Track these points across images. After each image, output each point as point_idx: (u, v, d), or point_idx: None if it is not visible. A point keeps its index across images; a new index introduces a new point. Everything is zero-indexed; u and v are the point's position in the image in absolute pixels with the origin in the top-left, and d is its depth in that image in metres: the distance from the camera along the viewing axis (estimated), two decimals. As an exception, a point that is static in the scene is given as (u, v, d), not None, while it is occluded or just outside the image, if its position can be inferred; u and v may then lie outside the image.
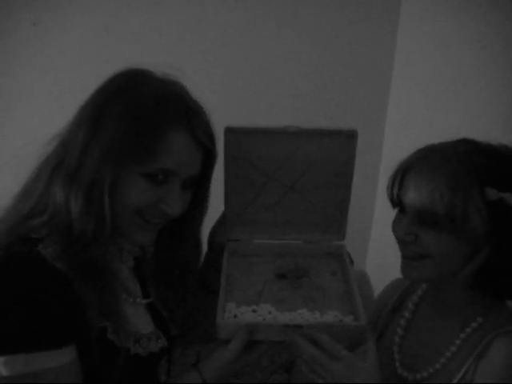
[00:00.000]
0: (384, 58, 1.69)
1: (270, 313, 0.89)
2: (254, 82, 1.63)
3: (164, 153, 0.76)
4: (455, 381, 0.82)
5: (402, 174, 0.85)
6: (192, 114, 0.79)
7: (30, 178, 0.82)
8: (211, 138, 0.84)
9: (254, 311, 0.90)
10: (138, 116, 0.75)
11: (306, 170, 0.99)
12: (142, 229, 0.81)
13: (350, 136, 0.96)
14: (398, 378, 0.92)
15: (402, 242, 0.86)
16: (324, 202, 1.03)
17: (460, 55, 1.32)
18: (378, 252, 1.79)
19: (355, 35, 1.65)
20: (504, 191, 0.77)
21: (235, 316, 0.88)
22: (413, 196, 0.82)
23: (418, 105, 1.56)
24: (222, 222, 1.04)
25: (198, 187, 0.88)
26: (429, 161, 0.82)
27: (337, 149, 0.97)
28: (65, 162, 0.77)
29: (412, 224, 0.83)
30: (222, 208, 1.05)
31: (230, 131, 0.94)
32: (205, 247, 1.03)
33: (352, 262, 1.02)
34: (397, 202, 0.87)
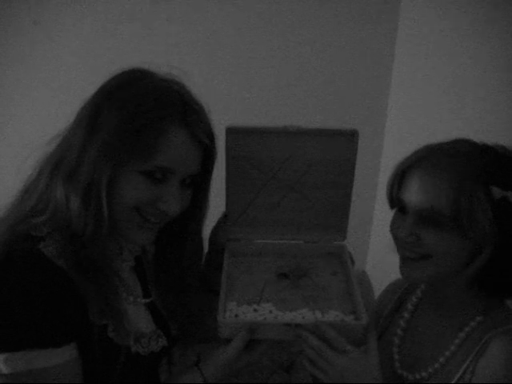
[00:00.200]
0: (384, 58, 1.69)
1: (271, 312, 0.89)
2: (255, 82, 1.63)
3: (162, 150, 0.76)
4: (454, 380, 0.82)
5: (403, 173, 0.85)
6: (190, 112, 0.80)
7: (31, 177, 0.82)
8: (210, 136, 0.84)
9: (255, 310, 0.90)
10: (135, 113, 0.75)
11: (307, 169, 0.99)
12: (141, 228, 0.81)
13: (351, 136, 0.96)
14: (397, 378, 0.92)
15: (402, 243, 0.85)
16: (325, 202, 1.03)
17: (460, 55, 1.33)
18: (377, 252, 1.79)
19: (355, 36, 1.65)
20: (507, 190, 0.78)
21: (236, 315, 0.88)
22: (415, 196, 0.82)
23: (418, 105, 1.56)
24: (223, 221, 1.04)
25: (198, 187, 0.88)
26: (431, 160, 0.82)
27: (338, 149, 0.97)
28: (65, 161, 0.77)
29: (414, 224, 0.82)
30: (222, 208, 1.05)
31: (231, 131, 0.95)
32: (206, 247, 1.03)
33: (353, 262, 1.02)
34: (396, 202, 0.87)
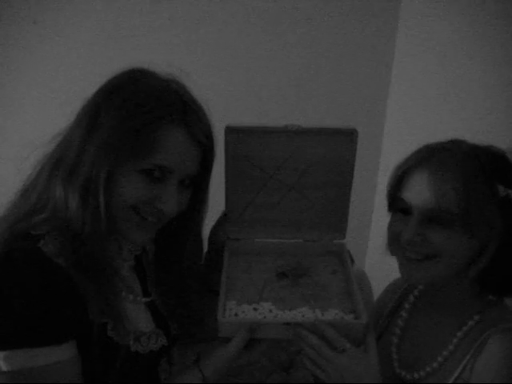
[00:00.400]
0: (383, 58, 1.69)
1: (270, 311, 0.89)
2: (254, 81, 1.63)
3: (160, 149, 0.76)
4: (453, 379, 0.83)
5: (404, 174, 0.85)
6: (190, 112, 0.80)
7: (31, 176, 0.82)
8: (209, 136, 0.84)
9: (254, 310, 0.90)
10: (134, 112, 0.76)
11: (307, 168, 1.00)
12: (139, 227, 0.81)
13: (351, 135, 0.96)
14: (396, 377, 0.92)
15: (406, 244, 0.84)
16: (324, 201, 1.03)
17: (459, 55, 1.33)
18: (376, 251, 1.79)
19: (355, 36, 1.65)
20: (510, 188, 0.80)
21: (236, 314, 0.88)
22: (420, 196, 0.81)
23: (417, 105, 1.56)
24: (223, 221, 1.04)
25: (198, 187, 0.88)
26: (434, 160, 0.82)
27: (337, 148, 0.97)
28: (64, 160, 0.78)
29: (420, 224, 0.82)
30: (222, 207, 1.05)
31: (230, 130, 0.95)
32: (205, 246, 1.03)
33: (353, 261, 1.02)
34: (399, 202, 0.86)
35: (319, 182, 1.01)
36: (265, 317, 0.88)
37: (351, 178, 1.00)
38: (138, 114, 0.76)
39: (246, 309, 0.90)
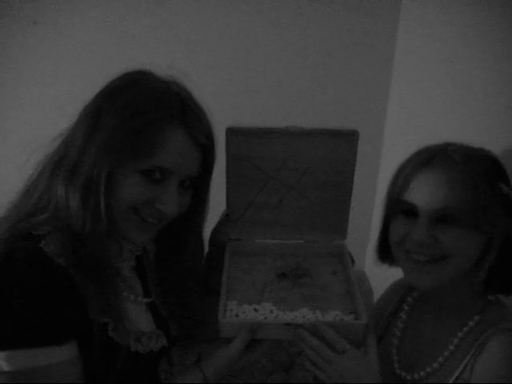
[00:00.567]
0: (383, 58, 1.69)
1: (271, 312, 0.89)
2: (255, 82, 1.63)
3: (160, 150, 0.77)
4: (453, 379, 0.83)
5: (407, 176, 0.85)
6: (190, 113, 0.80)
7: (32, 176, 0.82)
8: (209, 137, 0.84)
9: (255, 310, 0.90)
10: (135, 113, 0.76)
11: (307, 169, 1.00)
12: (139, 228, 0.81)
13: (351, 136, 0.96)
14: (396, 378, 0.92)
15: (415, 247, 0.83)
16: (325, 202, 1.03)
17: (460, 56, 1.33)
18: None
19: (355, 36, 1.65)
20: (508, 186, 0.82)
21: (237, 315, 0.89)
22: (428, 197, 0.81)
23: (418, 106, 1.56)
24: (224, 221, 1.04)
25: (198, 188, 0.88)
26: (437, 161, 0.82)
27: (338, 149, 0.97)
28: (65, 160, 0.78)
29: (430, 225, 0.82)
30: (223, 208, 1.05)
31: (231, 131, 0.95)
32: (206, 247, 1.03)
33: (353, 261, 1.02)
34: (403, 205, 0.85)
35: (320, 183, 1.01)
36: (265, 317, 0.88)
37: (352, 179, 1.00)
38: (138, 115, 0.76)
39: (247, 309, 0.90)
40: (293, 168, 0.99)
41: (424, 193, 0.82)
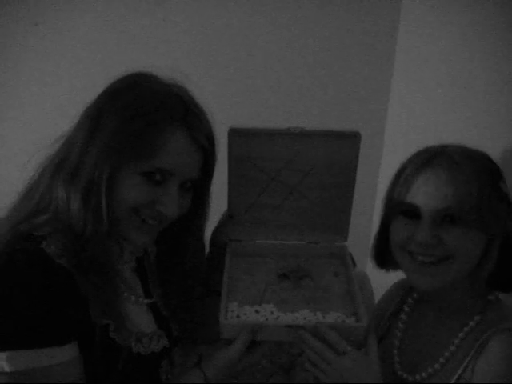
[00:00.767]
0: (384, 59, 1.69)
1: (272, 313, 0.89)
2: (256, 84, 1.63)
3: (161, 151, 0.77)
4: (454, 380, 0.83)
5: (408, 177, 0.85)
6: (191, 115, 0.80)
7: (34, 178, 0.82)
8: (210, 139, 0.84)
9: (256, 311, 0.90)
10: (136, 114, 0.76)
11: (309, 171, 0.99)
12: (139, 229, 0.81)
13: (353, 138, 0.95)
14: (398, 379, 0.92)
15: (419, 249, 0.83)
16: (327, 203, 1.03)
17: (460, 57, 1.33)
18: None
19: (356, 37, 1.65)
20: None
21: (238, 316, 0.89)
22: (430, 197, 0.81)
23: (418, 107, 1.56)
24: (225, 222, 1.04)
25: (199, 190, 0.88)
26: (438, 162, 0.83)
27: (340, 150, 0.97)
28: (66, 161, 0.78)
29: (434, 226, 0.82)
30: (223, 208, 1.05)
31: (233, 132, 0.95)
32: (207, 248, 1.03)
33: (354, 263, 1.02)
34: (405, 206, 0.85)
35: (321, 185, 1.01)
36: (267, 319, 0.88)
37: (354, 180, 1.00)
38: (139, 116, 0.76)
39: (248, 310, 0.90)
40: (295, 169, 0.99)
41: (426, 194, 0.82)
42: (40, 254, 0.72)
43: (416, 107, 1.57)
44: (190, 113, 0.80)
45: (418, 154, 0.87)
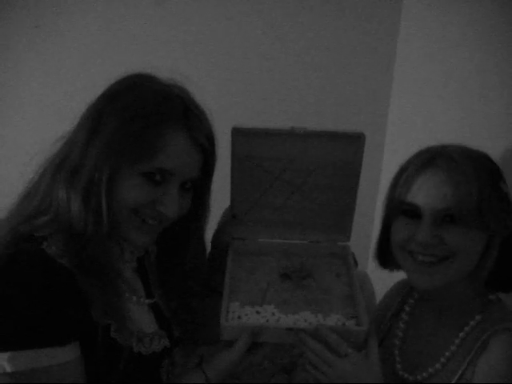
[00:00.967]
0: (385, 60, 1.69)
1: (273, 314, 0.89)
2: (257, 85, 1.63)
3: (161, 152, 0.77)
4: (455, 379, 0.83)
5: (409, 177, 0.85)
6: (191, 116, 0.80)
7: (34, 178, 0.82)
8: (210, 140, 0.84)
9: (257, 312, 0.90)
10: (136, 115, 0.77)
11: (312, 171, 0.99)
12: (139, 230, 0.81)
13: (358, 138, 0.94)
14: (399, 379, 0.92)
15: (420, 248, 0.84)
16: (330, 204, 1.02)
17: (461, 57, 1.33)
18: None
19: (356, 38, 1.65)
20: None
21: (239, 317, 0.89)
22: (430, 197, 0.82)
23: (419, 107, 1.56)
24: (228, 221, 1.04)
25: (199, 190, 0.88)
26: (439, 162, 0.83)
27: (344, 151, 0.96)
28: (67, 162, 0.78)
29: (434, 225, 0.82)
30: (225, 207, 1.05)
31: (237, 132, 0.94)
32: (208, 247, 1.03)
33: (356, 263, 1.02)
34: (406, 206, 0.85)
35: (324, 185, 1.00)
36: (267, 320, 0.88)
37: (357, 181, 0.99)
38: (139, 117, 0.77)
39: (249, 311, 0.90)
40: (298, 169, 0.99)
41: (427, 193, 0.82)
42: (41, 255, 0.72)
43: (417, 108, 1.57)
44: (190, 113, 0.81)
45: (419, 155, 0.87)
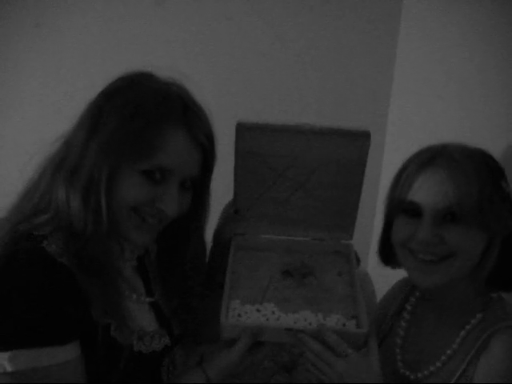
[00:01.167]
0: (385, 61, 1.69)
1: (273, 313, 0.89)
2: (256, 83, 1.63)
3: (161, 150, 0.77)
4: (456, 377, 0.83)
5: (409, 176, 0.85)
6: (190, 114, 0.80)
7: (34, 177, 0.82)
8: (210, 138, 0.84)
9: (257, 311, 0.89)
10: (135, 113, 0.77)
11: (316, 168, 0.97)
12: (139, 228, 0.81)
13: (363, 136, 0.93)
14: (400, 377, 0.92)
15: (421, 247, 0.84)
16: (333, 201, 1.01)
17: (461, 55, 1.33)
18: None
19: (357, 36, 1.65)
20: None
21: (239, 315, 0.88)
22: (431, 195, 0.82)
23: (420, 106, 1.56)
24: (230, 217, 1.03)
25: (199, 188, 0.88)
26: (441, 161, 0.83)
27: (349, 148, 0.94)
28: (66, 160, 0.78)
29: (435, 224, 0.82)
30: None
31: (241, 127, 0.93)
32: (208, 246, 1.03)
33: (359, 261, 1.01)
34: (406, 205, 0.85)
35: (328, 182, 0.99)
36: (267, 319, 0.88)
37: (362, 179, 0.98)
38: (139, 115, 0.77)
39: (249, 309, 0.89)
40: (302, 166, 0.97)
41: (428, 192, 0.82)
42: (41, 254, 0.72)
43: (417, 106, 1.57)
44: (190, 111, 0.81)
45: (420, 153, 0.87)
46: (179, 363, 0.93)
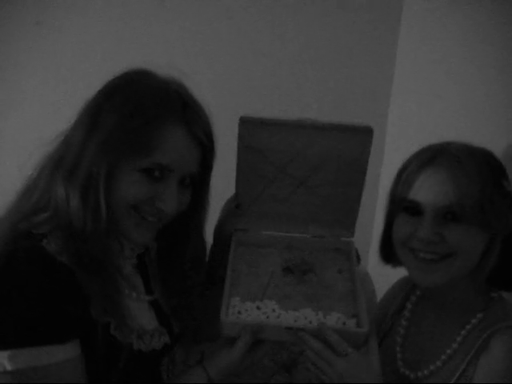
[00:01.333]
0: (386, 58, 1.69)
1: (273, 310, 0.89)
2: (256, 81, 1.63)
3: (160, 148, 0.77)
4: (456, 377, 0.83)
5: (410, 175, 0.85)
6: (189, 111, 0.80)
7: (33, 175, 0.82)
8: (209, 135, 0.84)
9: (258, 308, 0.89)
10: (134, 111, 0.77)
11: (319, 165, 0.97)
12: (139, 226, 0.81)
13: (365, 132, 0.92)
14: (400, 376, 0.92)
15: (422, 245, 0.84)
16: (335, 198, 1.00)
17: (461, 56, 1.33)
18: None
19: (358, 34, 1.65)
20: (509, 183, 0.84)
21: (239, 312, 0.88)
22: (432, 194, 0.82)
23: (420, 105, 1.56)
24: (231, 212, 1.02)
25: (198, 186, 0.88)
26: (441, 160, 0.83)
27: (351, 145, 0.93)
28: (65, 159, 0.78)
29: (436, 223, 0.82)
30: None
31: (244, 121, 0.92)
32: (208, 244, 1.03)
33: (359, 259, 1.01)
34: (407, 203, 0.85)
35: (330, 179, 0.98)
36: (268, 316, 0.88)
37: (364, 176, 0.97)
38: (138, 113, 0.77)
39: (250, 307, 0.89)
40: (304, 162, 0.96)
41: (428, 191, 0.82)
42: (40, 252, 0.72)
43: (418, 105, 1.58)
44: (189, 109, 0.81)
45: (421, 152, 0.88)
46: (179, 362, 0.93)
